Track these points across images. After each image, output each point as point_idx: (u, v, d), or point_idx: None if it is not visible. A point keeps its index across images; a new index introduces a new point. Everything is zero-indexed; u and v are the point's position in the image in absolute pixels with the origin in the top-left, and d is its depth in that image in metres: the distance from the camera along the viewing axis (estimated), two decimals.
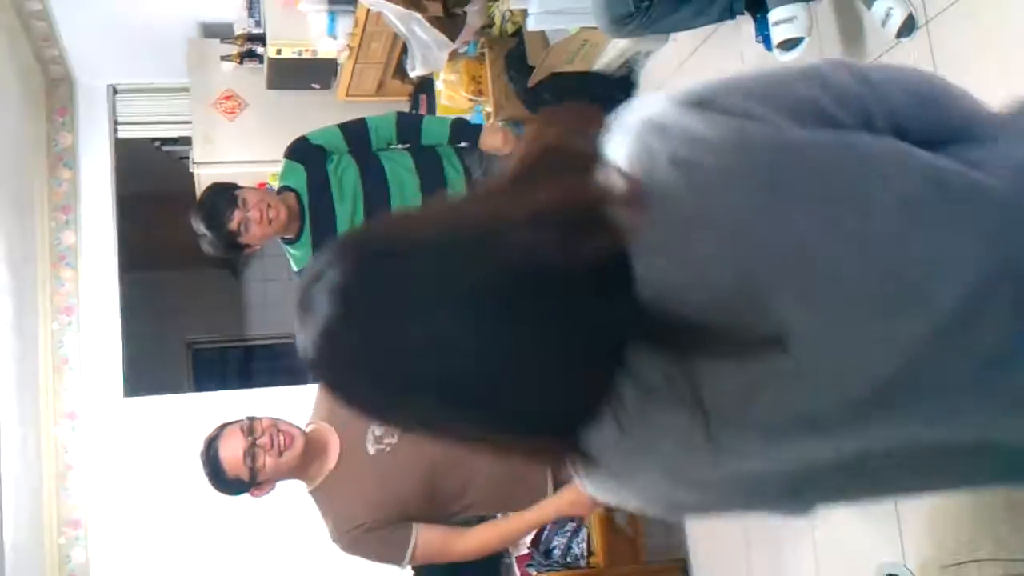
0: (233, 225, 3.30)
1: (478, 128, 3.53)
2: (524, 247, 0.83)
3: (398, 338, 0.86)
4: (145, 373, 6.72)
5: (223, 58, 5.86)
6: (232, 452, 2.76)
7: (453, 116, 3.97)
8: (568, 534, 4.00)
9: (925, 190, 0.93)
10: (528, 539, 4.00)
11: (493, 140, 3.46)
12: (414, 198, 3.38)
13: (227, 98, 5.96)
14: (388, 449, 2.80)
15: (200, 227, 3.38)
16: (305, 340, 0.92)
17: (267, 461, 2.75)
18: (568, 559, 3.97)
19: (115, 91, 6.38)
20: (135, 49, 5.94)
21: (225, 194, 3.37)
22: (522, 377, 0.85)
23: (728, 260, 0.87)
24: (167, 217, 7.50)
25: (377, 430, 2.82)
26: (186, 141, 6.31)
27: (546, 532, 4.03)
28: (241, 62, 5.80)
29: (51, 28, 5.67)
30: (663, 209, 0.87)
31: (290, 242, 3.49)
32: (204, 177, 5.75)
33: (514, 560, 4.08)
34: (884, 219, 0.91)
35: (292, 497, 5.32)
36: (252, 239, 3.36)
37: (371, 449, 2.82)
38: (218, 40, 5.91)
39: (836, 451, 0.94)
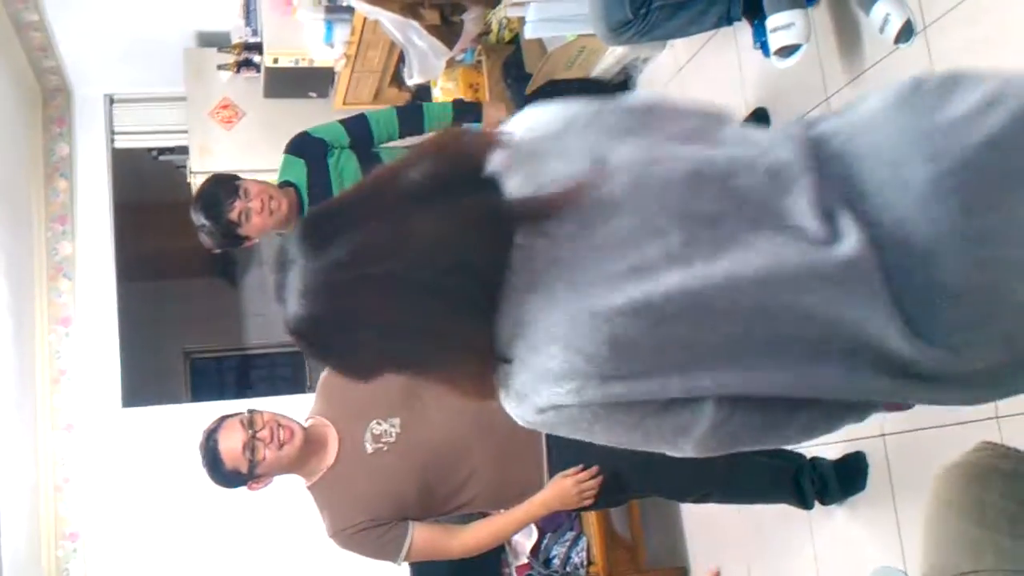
0: (233, 215, 3.24)
1: (479, 105, 3.54)
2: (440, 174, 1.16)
3: (356, 299, 1.17)
4: (143, 383, 6.71)
5: (220, 67, 5.85)
6: (231, 444, 2.74)
7: (452, 98, 3.96)
8: (567, 543, 3.99)
9: None
10: (528, 548, 3.98)
11: (497, 113, 3.47)
12: None
13: (224, 107, 5.96)
14: (386, 448, 2.80)
15: (199, 217, 3.32)
16: (286, 319, 1.25)
17: (267, 454, 2.74)
18: (567, 568, 3.95)
19: (112, 101, 6.37)
20: (132, 59, 5.94)
21: (226, 184, 3.32)
22: (447, 252, 1.14)
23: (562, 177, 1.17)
24: (164, 227, 7.51)
25: (375, 428, 2.82)
26: (183, 150, 6.29)
27: (545, 541, 4.01)
28: (238, 71, 5.79)
29: (47, 38, 5.66)
30: (519, 152, 1.21)
31: None
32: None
33: (514, 570, 4.06)
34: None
35: (291, 507, 5.30)
36: (252, 230, 3.30)
37: (369, 448, 2.82)
38: (215, 49, 5.90)
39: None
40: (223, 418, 2.81)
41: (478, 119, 3.52)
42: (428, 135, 3.52)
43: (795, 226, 1.12)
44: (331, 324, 1.21)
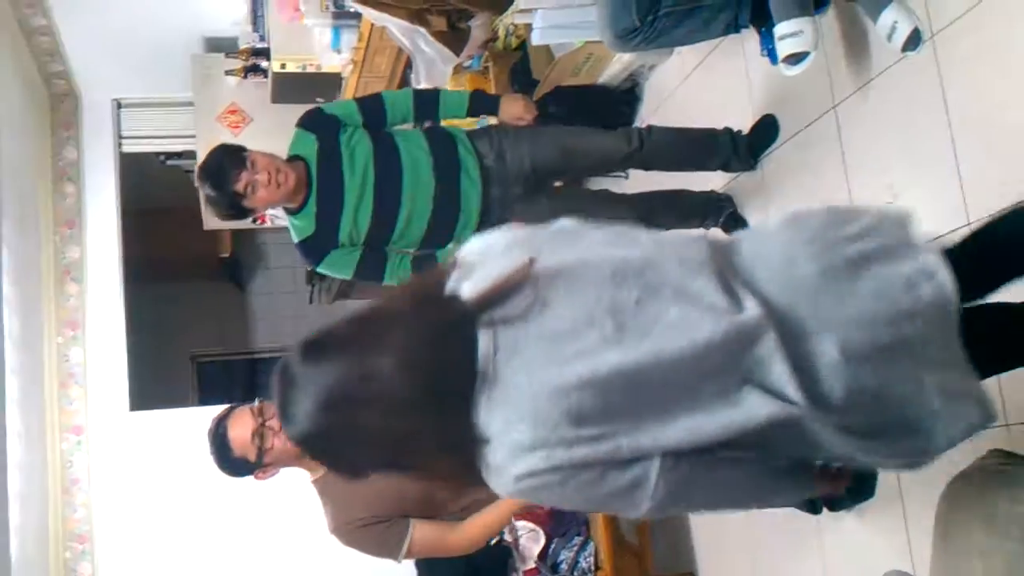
0: (239, 186, 3.18)
1: (497, 99, 3.48)
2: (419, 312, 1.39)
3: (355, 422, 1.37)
4: (150, 387, 6.72)
5: (227, 72, 5.87)
6: (241, 432, 2.74)
7: (471, 90, 3.91)
8: (575, 548, 3.99)
9: None
10: (535, 553, 3.99)
11: (514, 108, 3.42)
12: (427, 177, 3.29)
13: (231, 112, 5.97)
14: None
15: (204, 186, 3.27)
16: (291, 434, 1.42)
17: (275, 443, 2.74)
18: (575, 573, 3.96)
19: (119, 106, 6.39)
20: (139, 64, 5.95)
21: (233, 154, 3.25)
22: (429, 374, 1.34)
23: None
24: (172, 231, 7.55)
25: None
26: (190, 155, 6.31)
27: (553, 546, 4.02)
28: (245, 76, 5.81)
29: (55, 43, 5.68)
30: (469, 266, 1.45)
31: (293, 212, 3.35)
32: None
33: (521, 574, 4.07)
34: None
35: (298, 509, 5.30)
36: (258, 202, 3.25)
37: None
38: (222, 55, 5.92)
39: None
40: (233, 406, 2.81)
41: (493, 111, 3.47)
42: (442, 122, 3.53)
43: (706, 302, 1.37)
44: (332, 438, 1.39)
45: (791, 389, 1.34)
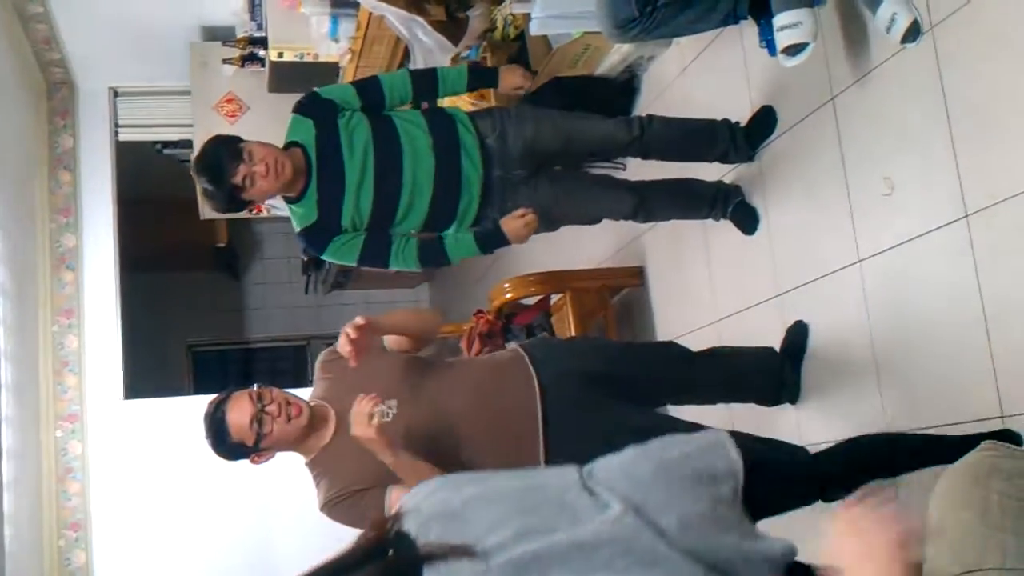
0: (237, 179, 3.12)
1: (495, 71, 3.43)
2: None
3: None
4: (145, 375, 6.73)
5: (224, 61, 5.86)
6: (240, 417, 2.74)
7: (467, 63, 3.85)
8: None
9: None
10: None
11: (513, 78, 3.38)
12: (427, 158, 3.25)
13: (228, 101, 5.96)
14: (382, 422, 2.82)
15: (201, 180, 3.20)
16: None
17: (274, 428, 2.74)
18: None
19: (116, 94, 6.38)
20: (136, 52, 5.94)
21: (228, 146, 3.19)
22: None
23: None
24: (167, 220, 7.54)
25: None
26: (187, 144, 6.30)
27: None
28: (242, 65, 5.79)
29: (52, 31, 5.66)
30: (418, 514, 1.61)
31: (293, 200, 3.29)
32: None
33: None
34: None
35: (295, 499, 5.30)
36: (257, 194, 3.19)
37: None
38: (220, 43, 5.91)
39: None
40: (231, 390, 2.81)
41: (493, 84, 3.43)
42: (442, 100, 3.50)
43: (582, 510, 1.59)
44: None
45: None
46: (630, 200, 3.52)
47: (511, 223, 3.25)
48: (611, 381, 2.93)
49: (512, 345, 3.20)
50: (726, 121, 3.54)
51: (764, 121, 3.47)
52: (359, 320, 2.75)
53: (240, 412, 2.74)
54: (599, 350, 3.19)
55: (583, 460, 1.72)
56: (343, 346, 2.74)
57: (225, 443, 2.78)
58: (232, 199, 3.19)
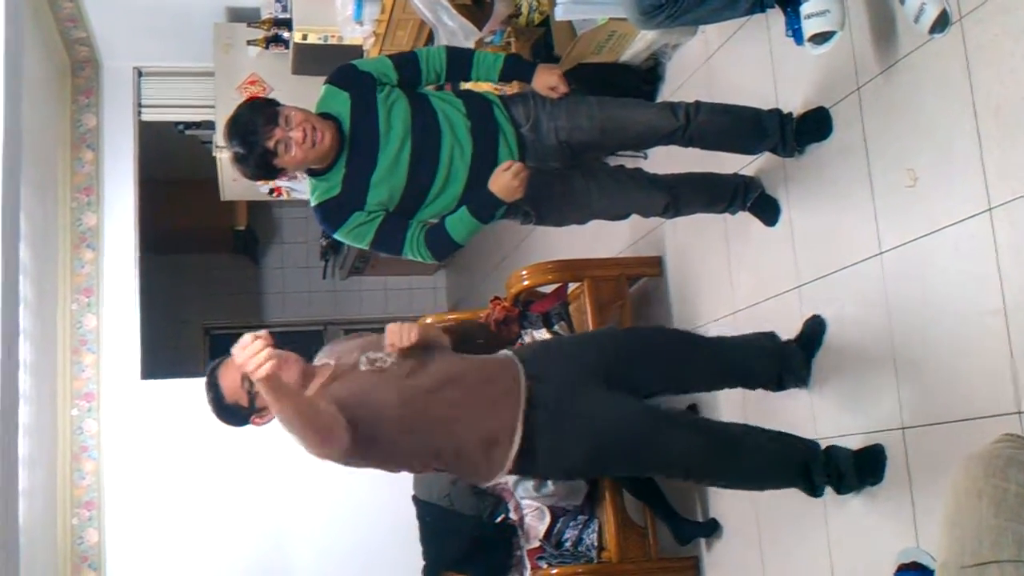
0: (270, 143, 2.97)
1: (533, 66, 3.29)
2: None
3: None
4: (162, 356, 6.75)
5: (249, 42, 5.86)
6: (231, 378, 2.81)
7: (507, 54, 3.68)
8: (579, 526, 3.99)
9: None
10: (541, 532, 3.99)
11: (549, 78, 3.23)
12: (466, 141, 3.12)
13: (252, 83, 5.97)
14: (378, 370, 2.86)
15: (232, 143, 3.05)
16: None
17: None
18: (580, 548, 3.96)
19: (140, 74, 6.41)
20: (161, 32, 5.96)
21: (265, 109, 3.06)
22: None
23: None
24: (188, 202, 7.57)
25: (371, 355, 2.89)
26: (209, 125, 6.32)
27: (558, 524, 4.02)
28: (267, 47, 5.80)
29: (78, 9, 5.68)
30: None
31: (318, 173, 3.13)
32: (227, 162, 5.75)
33: (525, 553, 4.07)
34: None
35: (306, 480, 5.33)
36: (290, 162, 3.02)
37: (363, 366, 2.88)
38: (244, 24, 5.92)
39: None
40: (224, 357, 2.82)
41: (527, 78, 3.27)
42: (471, 84, 3.47)
43: None
44: None
45: None
46: (662, 200, 3.44)
47: (497, 179, 3.06)
48: (607, 372, 2.98)
49: (507, 353, 3.14)
50: (776, 112, 3.37)
51: (820, 122, 3.27)
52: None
53: (231, 373, 2.80)
54: (588, 344, 3.26)
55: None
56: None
57: (223, 406, 2.85)
58: (263, 164, 3.04)
